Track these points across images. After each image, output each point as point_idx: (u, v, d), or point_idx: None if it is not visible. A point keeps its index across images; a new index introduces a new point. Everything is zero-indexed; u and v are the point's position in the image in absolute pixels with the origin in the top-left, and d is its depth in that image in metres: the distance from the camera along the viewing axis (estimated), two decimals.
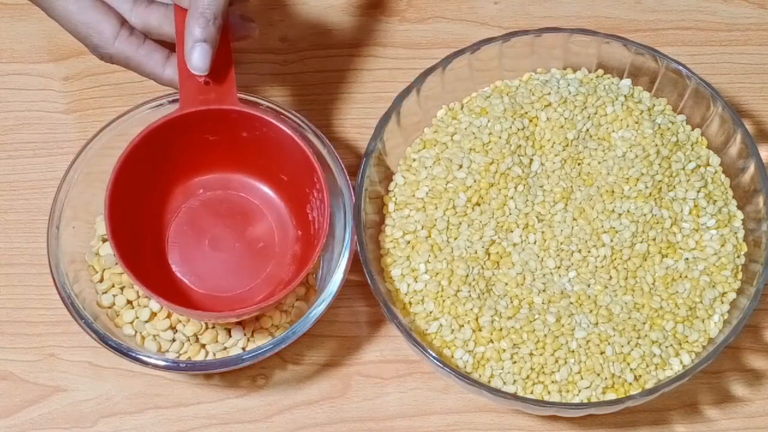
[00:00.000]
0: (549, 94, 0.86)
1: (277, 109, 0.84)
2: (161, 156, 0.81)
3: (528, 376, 0.79)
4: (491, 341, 0.80)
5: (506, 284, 0.81)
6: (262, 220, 0.84)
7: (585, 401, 0.79)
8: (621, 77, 0.87)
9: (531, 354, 0.79)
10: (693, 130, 0.86)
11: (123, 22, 0.81)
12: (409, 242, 0.83)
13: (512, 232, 0.82)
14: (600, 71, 0.88)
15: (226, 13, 0.79)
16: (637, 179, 0.83)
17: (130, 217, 0.79)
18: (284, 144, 0.80)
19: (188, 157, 0.82)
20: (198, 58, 0.78)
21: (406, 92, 0.85)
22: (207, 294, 0.82)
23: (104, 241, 0.85)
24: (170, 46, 0.81)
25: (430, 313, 0.81)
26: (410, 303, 0.81)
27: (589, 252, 0.82)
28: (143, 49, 0.81)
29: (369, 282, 0.79)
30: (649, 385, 0.79)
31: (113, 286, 0.83)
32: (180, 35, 0.79)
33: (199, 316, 0.81)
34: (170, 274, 0.82)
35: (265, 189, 0.84)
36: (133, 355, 0.79)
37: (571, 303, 0.81)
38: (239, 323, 0.83)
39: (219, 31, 0.79)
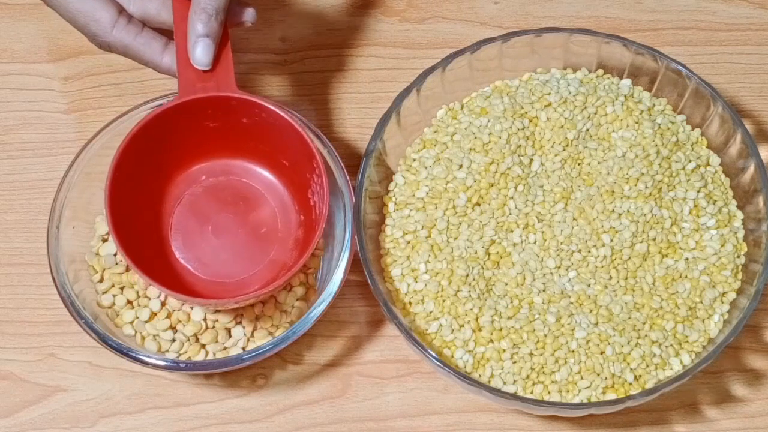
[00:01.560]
0: (549, 94, 0.86)
1: None
2: (162, 144, 0.81)
3: (528, 376, 0.79)
4: (491, 341, 0.80)
5: (506, 284, 0.81)
6: (265, 205, 0.84)
7: (585, 401, 0.79)
8: (621, 77, 0.87)
9: (531, 354, 0.79)
10: (693, 130, 0.86)
11: (121, 10, 0.81)
12: (409, 242, 0.83)
13: (512, 232, 0.82)
14: (600, 71, 0.88)
15: (228, 7, 0.79)
16: (637, 179, 0.83)
17: (132, 205, 0.79)
18: (284, 129, 0.80)
19: (189, 144, 0.82)
20: (201, 53, 0.78)
21: (406, 92, 0.85)
22: (210, 280, 0.82)
23: (104, 241, 0.85)
24: (169, 34, 0.81)
25: (430, 313, 0.81)
26: (410, 303, 0.81)
27: (589, 252, 0.82)
28: (141, 38, 0.81)
29: (369, 282, 0.79)
30: (649, 385, 0.79)
31: (113, 286, 0.83)
32: (178, 23, 0.79)
33: (197, 302, 0.80)
34: (173, 261, 0.82)
35: (267, 174, 0.84)
36: (133, 355, 0.79)
37: (571, 303, 0.81)
38: (239, 322, 0.83)
39: (221, 26, 0.79)
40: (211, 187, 0.84)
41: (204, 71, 0.79)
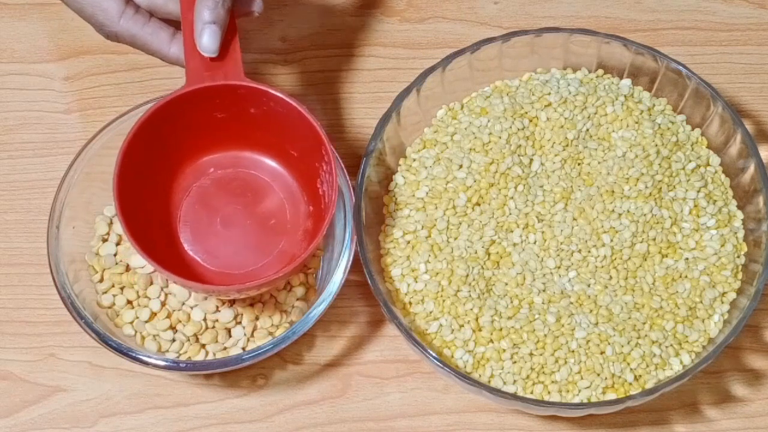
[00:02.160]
0: (549, 94, 0.86)
1: None
2: (169, 134, 0.81)
3: (528, 376, 0.79)
4: (491, 341, 0.80)
5: (506, 284, 0.81)
6: (274, 196, 0.84)
7: (585, 401, 0.79)
8: (621, 77, 0.87)
9: (531, 354, 0.79)
10: (693, 130, 0.86)
11: (128, 0, 0.81)
12: (409, 242, 0.83)
13: (512, 232, 0.82)
14: (600, 71, 0.88)
15: None
16: (637, 179, 0.83)
17: (139, 196, 0.79)
18: (292, 118, 0.80)
19: (197, 135, 0.82)
20: (208, 41, 0.78)
21: (406, 92, 0.85)
22: (219, 271, 0.82)
23: (104, 241, 0.85)
24: (176, 24, 0.82)
25: (430, 313, 0.81)
26: (410, 303, 0.81)
27: (589, 252, 0.82)
28: (149, 27, 0.81)
29: (369, 282, 0.79)
30: (649, 385, 0.79)
31: (113, 286, 0.83)
32: (185, 13, 0.79)
33: (202, 289, 0.80)
34: (181, 252, 0.82)
35: (275, 165, 0.84)
36: (133, 355, 0.79)
37: (571, 303, 0.81)
38: (239, 322, 0.82)
39: (228, 13, 0.79)
40: (219, 178, 0.84)
41: (212, 60, 0.79)
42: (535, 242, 0.82)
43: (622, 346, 0.79)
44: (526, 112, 0.85)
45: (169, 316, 0.82)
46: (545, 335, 0.79)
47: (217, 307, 0.82)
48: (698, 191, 0.83)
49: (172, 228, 0.83)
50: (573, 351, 0.79)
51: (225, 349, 0.82)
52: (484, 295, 0.81)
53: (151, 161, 0.81)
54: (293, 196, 0.84)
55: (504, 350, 0.79)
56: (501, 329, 0.80)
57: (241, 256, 0.82)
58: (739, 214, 0.84)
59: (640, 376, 0.79)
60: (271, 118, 0.81)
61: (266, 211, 0.83)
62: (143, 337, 0.82)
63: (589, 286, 0.81)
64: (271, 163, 0.84)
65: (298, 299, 0.84)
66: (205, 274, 0.82)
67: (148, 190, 0.81)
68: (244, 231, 0.83)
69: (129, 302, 0.83)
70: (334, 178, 0.79)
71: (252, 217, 0.83)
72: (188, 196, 0.83)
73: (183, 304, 0.83)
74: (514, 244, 0.82)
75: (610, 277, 0.81)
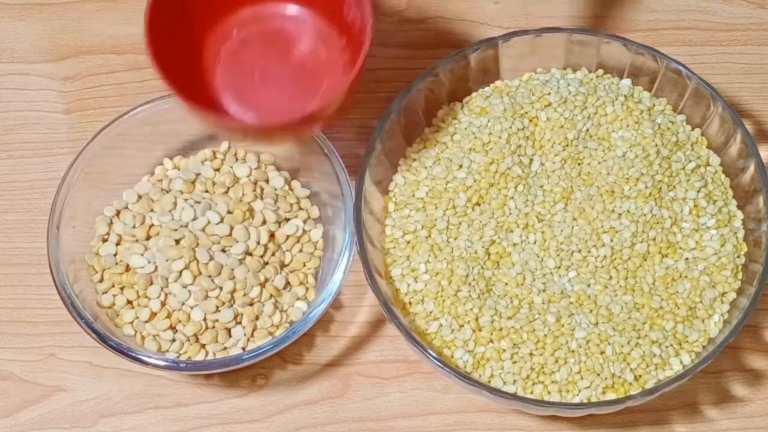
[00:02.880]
0: (549, 94, 0.86)
1: None
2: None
3: (528, 376, 0.79)
4: (491, 341, 0.80)
5: (506, 284, 0.81)
6: (305, 39, 0.82)
7: (585, 401, 0.79)
8: (621, 77, 0.87)
9: (531, 354, 0.79)
10: (693, 130, 0.86)
11: None
12: (409, 242, 0.83)
13: (512, 232, 0.82)
14: (600, 71, 0.88)
15: None
16: (637, 179, 0.83)
17: (173, 66, 0.77)
18: None
19: None
20: None
21: (406, 92, 0.85)
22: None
23: (104, 241, 0.85)
24: None
25: (430, 313, 0.81)
26: (410, 303, 0.81)
27: (589, 252, 0.82)
28: None
29: (369, 282, 0.79)
30: (649, 385, 0.79)
31: (113, 286, 0.83)
32: None
33: (273, 125, 0.79)
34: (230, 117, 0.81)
35: (297, 8, 0.83)
36: (133, 355, 0.79)
37: (571, 303, 0.81)
38: (239, 322, 0.82)
39: None
40: (244, 39, 0.82)
41: None
42: (535, 242, 0.82)
43: (622, 346, 0.79)
44: (526, 112, 0.85)
45: (169, 316, 0.82)
46: (545, 335, 0.79)
47: (217, 307, 0.82)
48: (698, 191, 0.83)
49: (212, 97, 0.81)
50: (573, 351, 0.79)
51: (225, 349, 0.82)
52: (484, 295, 0.81)
53: (180, 24, 0.79)
54: (323, 33, 0.82)
55: (504, 350, 0.79)
56: (501, 329, 0.80)
57: (289, 105, 0.80)
58: (739, 214, 0.84)
59: (640, 376, 0.79)
60: None
61: (301, 55, 0.82)
62: (143, 337, 0.82)
63: (589, 286, 0.81)
64: (291, 5, 0.83)
65: (298, 299, 0.84)
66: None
67: (179, 62, 0.79)
68: (284, 80, 0.81)
69: (129, 302, 0.83)
70: None
71: (289, 65, 0.82)
72: (220, 63, 0.82)
73: (183, 304, 0.83)
74: (514, 244, 0.82)
75: (610, 277, 0.81)
